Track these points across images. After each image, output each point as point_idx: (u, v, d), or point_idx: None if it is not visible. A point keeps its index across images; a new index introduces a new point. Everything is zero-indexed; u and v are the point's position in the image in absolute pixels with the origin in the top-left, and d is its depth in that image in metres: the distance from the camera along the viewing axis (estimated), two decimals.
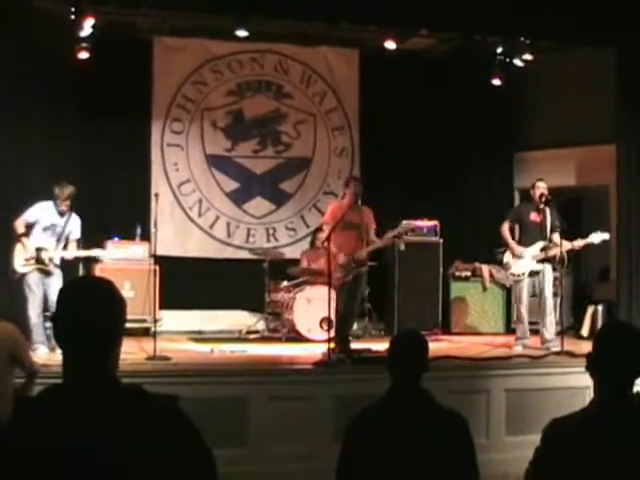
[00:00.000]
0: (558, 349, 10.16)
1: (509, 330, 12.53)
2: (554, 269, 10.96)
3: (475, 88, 13.44)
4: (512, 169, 14.49)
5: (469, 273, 13.43)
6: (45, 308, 10.03)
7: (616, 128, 11.80)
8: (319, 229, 12.51)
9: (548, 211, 10.86)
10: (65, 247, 10.34)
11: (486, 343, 11.55)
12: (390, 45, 12.47)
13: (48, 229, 10.23)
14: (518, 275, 10.92)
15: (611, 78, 11.71)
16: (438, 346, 11.12)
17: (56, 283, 10.00)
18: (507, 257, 11.07)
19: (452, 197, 14.18)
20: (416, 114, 13.53)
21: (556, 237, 10.75)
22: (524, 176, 14.01)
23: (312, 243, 13.07)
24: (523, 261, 10.85)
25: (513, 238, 11.12)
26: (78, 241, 10.50)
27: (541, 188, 10.88)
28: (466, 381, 9.14)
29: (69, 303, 2.52)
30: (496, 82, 13.04)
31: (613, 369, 3.26)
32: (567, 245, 10.62)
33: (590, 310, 12.69)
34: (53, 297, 9.81)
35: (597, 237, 10.63)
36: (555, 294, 11.07)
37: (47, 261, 10.06)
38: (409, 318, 12.38)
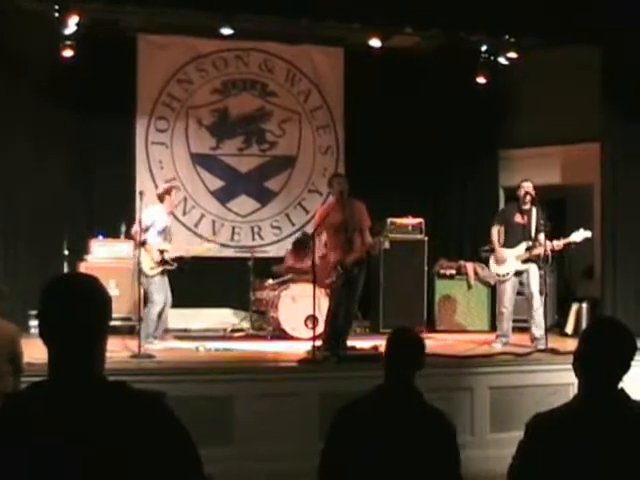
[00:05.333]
0: (543, 347, 10.21)
1: (494, 328, 12.50)
2: (539, 268, 11.00)
3: (460, 86, 13.45)
4: (497, 167, 14.51)
5: (454, 271, 13.44)
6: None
7: (601, 126, 11.86)
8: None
9: (534, 211, 10.92)
10: None
11: (471, 341, 11.57)
12: (375, 43, 12.45)
13: (162, 232, 10.63)
14: (503, 275, 10.98)
15: (596, 77, 11.75)
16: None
17: (167, 281, 10.65)
18: (494, 259, 11.13)
19: (437, 195, 14.22)
20: (401, 112, 13.54)
21: (541, 237, 10.79)
22: (509, 174, 14.05)
23: (296, 244, 13.06)
24: (508, 262, 10.90)
25: (502, 242, 11.16)
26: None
27: (526, 188, 10.93)
28: (450, 378, 9.17)
29: (53, 299, 2.51)
30: (481, 80, 13.05)
31: (598, 365, 3.27)
32: (550, 245, 10.65)
33: (574, 308, 12.74)
34: (170, 296, 10.67)
35: (579, 235, 10.67)
36: (540, 292, 11.12)
37: (171, 261, 10.55)
38: (394, 316, 12.37)
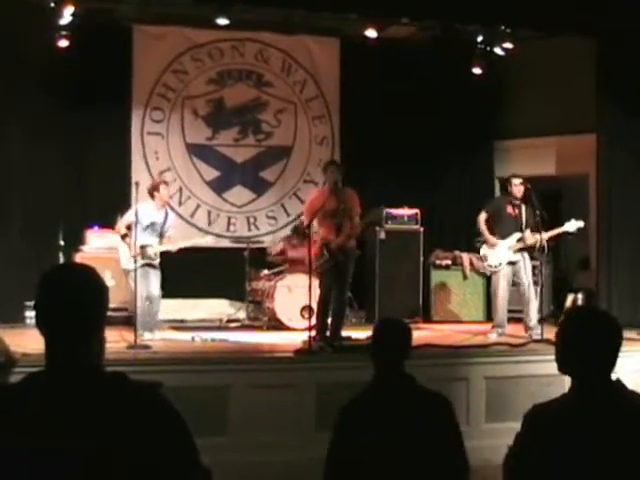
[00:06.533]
0: (538, 336, 10.23)
1: (489, 318, 12.53)
2: (533, 258, 11.06)
3: (456, 77, 13.45)
4: (492, 158, 14.52)
5: (449, 262, 13.44)
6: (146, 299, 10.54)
7: (596, 117, 11.86)
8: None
9: (524, 207, 11.01)
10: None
11: (466, 331, 11.58)
12: (371, 33, 12.46)
13: (149, 227, 10.55)
14: (495, 266, 11.01)
15: (591, 68, 11.76)
16: (419, 334, 11.12)
17: (155, 276, 10.54)
18: (484, 249, 11.21)
19: (432, 185, 14.20)
20: (396, 103, 13.53)
21: (529, 232, 10.84)
22: (504, 165, 14.07)
23: (295, 230, 13.06)
24: (500, 252, 10.93)
25: (489, 229, 11.18)
26: (169, 237, 10.91)
27: (517, 184, 11.00)
28: (446, 369, 9.17)
29: (49, 289, 2.51)
30: (477, 71, 13.06)
31: (590, 358, 3.26)
32: (544, 236, 10.68)
33: (570, 298, 12.74)
34: (152, 289, 10.49)
35: (572, 225, 10.75)
36: (535, 282, 11.16)
37: (153, 256, 10.51)
38: (390, 306, 12.40)
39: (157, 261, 10.55)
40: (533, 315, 10.75)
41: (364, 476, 4.18)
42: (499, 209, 11.20)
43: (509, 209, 11.08)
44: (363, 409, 4.30)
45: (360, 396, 4.37)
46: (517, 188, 11.00)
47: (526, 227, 10.95)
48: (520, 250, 10.91)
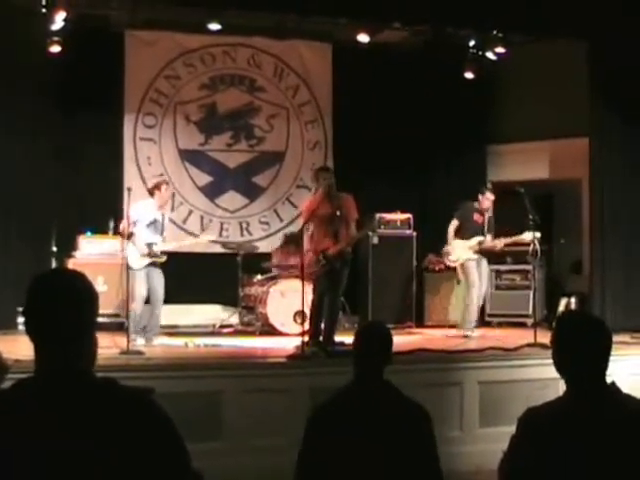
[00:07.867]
0: (469, 333, 11.00)
1: (483, 322, 12.59)
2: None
3: (448, 81, 13.46)
4: (485, 162, 14.51)
5: (442, 266, 13.43)
6: (147, 300, 10.64)
7: (589, 121, 11.88)
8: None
9: (487, 216, 11.69)
10: None
11: (459, 336, 11.58)
12: (363, 38, 12.47)
13: (151, 225, 10.66)
14: (454, 261, 11.65)
15: (584, 71, 11.77)
16: (412, 339, 11.17)
17: (159, 274, 10.62)
18: (447, 247, 11.77)
19: (425, 190, 14.21)
20: (389, 107, 13.55)
21: (489, 238, 11.49)
22: (497, 169, 14.09)
23: (288, 239, 13.02)
24: (460, 250, 11.51)
25: (458, 235, 11.67)
26: (165, 237, 11.01)
27: (489, 197, 11.67)
28: (439, 374, 9.15)
29: (38, 296, 2.50)
30: (469, 75, 13.07)
31: (584, 362, 3.26)
32: (500, 242, 11.45)
33: (563, 302, 12.77)
34: (158, 290, 10.62)
35: (529, 235, 11.02)
36: (528, 287, 11.28)
37: (159, 254, 10.61)
38: (383, 311, 12.40)
39: (163, 259, 10.62)
40: (470, 313, 11.41)
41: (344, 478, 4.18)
42: (467, 216, 11.69)
43: (475, 216, 11.67)
44: (340, 412, 4.28)
45: (329, 401, 4.36)
46: (488, 201, 11.65)
47: (487, 233, 11.52)
48: (478, 252, 11.49)
